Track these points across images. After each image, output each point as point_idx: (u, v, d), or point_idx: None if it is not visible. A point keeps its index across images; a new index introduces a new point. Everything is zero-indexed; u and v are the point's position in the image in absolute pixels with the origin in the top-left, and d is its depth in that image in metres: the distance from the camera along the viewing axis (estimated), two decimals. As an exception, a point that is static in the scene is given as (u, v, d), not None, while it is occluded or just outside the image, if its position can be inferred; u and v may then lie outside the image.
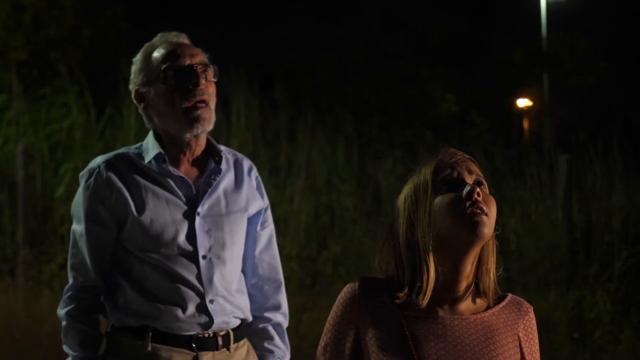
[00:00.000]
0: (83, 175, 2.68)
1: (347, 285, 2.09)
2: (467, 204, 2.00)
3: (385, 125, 13.58)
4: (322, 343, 2.09)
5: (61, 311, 2.65)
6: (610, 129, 9.72)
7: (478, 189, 2.01)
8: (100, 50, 13.04)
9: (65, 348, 2.65)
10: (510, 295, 2.12)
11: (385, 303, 2.03)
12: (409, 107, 15.26)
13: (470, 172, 2.05)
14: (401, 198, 2.10)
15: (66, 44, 12.78)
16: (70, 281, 2.67)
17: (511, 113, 21.14)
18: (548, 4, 23.99)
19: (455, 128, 12.51)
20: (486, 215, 2.00)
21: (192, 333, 2.60)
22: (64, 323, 2.64)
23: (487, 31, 22.66)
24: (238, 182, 2.74)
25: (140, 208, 2.61)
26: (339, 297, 2.08)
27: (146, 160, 2.66)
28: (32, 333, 6.67)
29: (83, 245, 2.64)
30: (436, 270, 2.01)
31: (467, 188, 2.01)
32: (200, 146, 2.70)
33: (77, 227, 2.67)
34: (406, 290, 2.02)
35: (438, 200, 2.03)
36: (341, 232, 8.63)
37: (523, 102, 21.87)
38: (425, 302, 2.01)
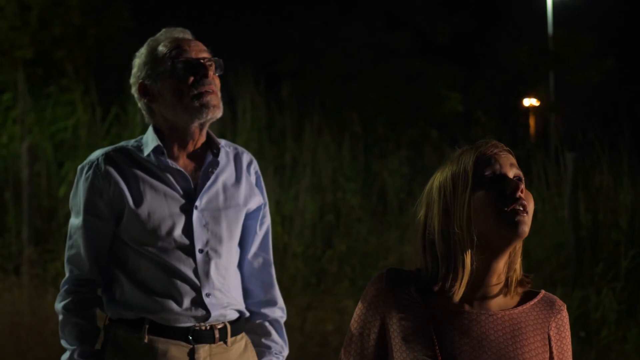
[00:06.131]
0: (82, 167, 2.68)
1: (375, 276, 2.05)
2: (510, 201, 1.95)
3: (390, 124, 13.59)
4: (349, 332, 2.07)
5: (58, 305, 2.67)
6: (617, 127, 9.70)
7: (522, 186, 1.96)
8: (106, 49, 13.06)
9: (62, 342, 2.65)
10: (542, 292, 2.06)
11: (411, 295, 1.99)
12: (415, 105, 15.25)
13: (512, 166, 1.99)
14: (434, 185, 2.02)
15: (71, 42, 12.79)
16: (67, 274, 2.68)
17: (517, 111, 21.12)
18: (554, 2, 23.96)
19: (461, 127, 12.49)
20: (527, 213, 1.96)
21: (189, 325, 2.61)
22: (60, 317, 2.65)
23: (493, 29, 22.62)
24: (237, 177, 2.75)
25: (138, 201, 2.61)
26: (367, 287, 2.05)
27: (145, 154, 2.66)
28: (37, 331, 6.66)
29: (79, 237, 2.65)
30: (472, 266, 1.97)
31: (512, 185, 1.96)
32: (202, 137, 2.70)
33: (75, 220, 2.68)
34: (440, 284, 1.98)
35: (480, 195, 1.96)
36: (346, 230, 8.61)
37: (529, 101, 21.84)
38: (458, 296, 1.97)
